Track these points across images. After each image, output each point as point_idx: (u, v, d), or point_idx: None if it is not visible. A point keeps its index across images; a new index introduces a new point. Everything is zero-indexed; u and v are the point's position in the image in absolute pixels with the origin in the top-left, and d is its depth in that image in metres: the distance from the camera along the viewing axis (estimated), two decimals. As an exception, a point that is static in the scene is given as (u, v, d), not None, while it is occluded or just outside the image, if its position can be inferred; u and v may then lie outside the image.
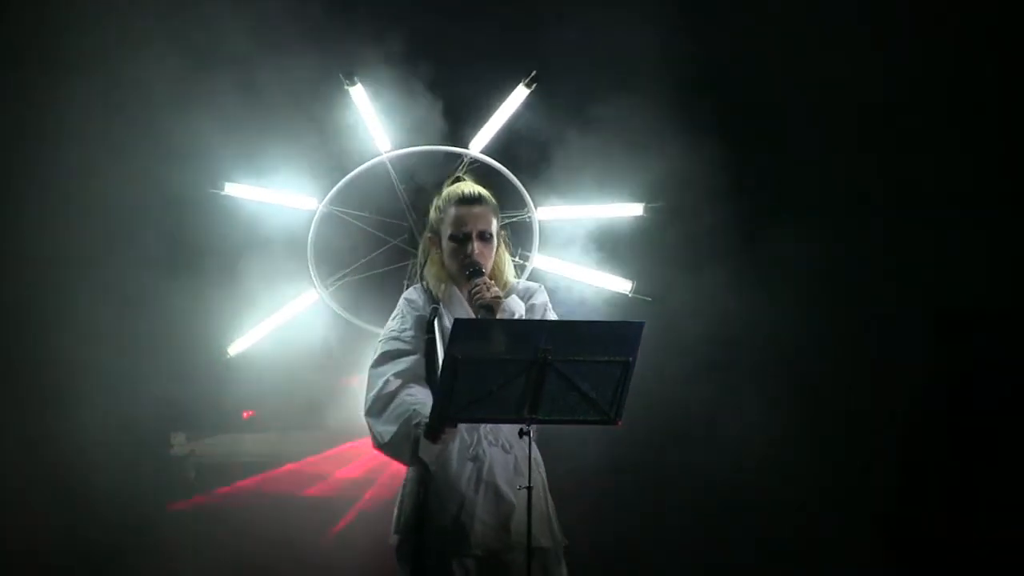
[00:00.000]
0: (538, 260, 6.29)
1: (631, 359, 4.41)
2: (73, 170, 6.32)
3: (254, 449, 6.54)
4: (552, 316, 4.94)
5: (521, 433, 4.44)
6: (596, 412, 4.44)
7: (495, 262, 4.90)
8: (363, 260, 6.32)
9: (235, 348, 6.34)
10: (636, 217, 6.40)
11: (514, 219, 6.07)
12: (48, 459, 6.29)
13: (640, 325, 4.42)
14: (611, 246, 6.44)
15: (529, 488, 4.47)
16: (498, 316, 4.69)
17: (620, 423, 4.49)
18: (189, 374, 6.39)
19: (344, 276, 6.30)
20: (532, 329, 4.50)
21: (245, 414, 6.57)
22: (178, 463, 6.54)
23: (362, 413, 4.75)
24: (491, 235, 4.85)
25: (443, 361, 4.36)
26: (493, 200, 4.94)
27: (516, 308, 4.81)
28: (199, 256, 6.38)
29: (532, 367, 4.34)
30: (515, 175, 6.20)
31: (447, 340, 4.37)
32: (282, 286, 6.33)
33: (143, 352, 6.37)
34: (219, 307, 6.36)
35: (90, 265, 6.33)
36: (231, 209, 6.31)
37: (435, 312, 4.78)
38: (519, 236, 6.12)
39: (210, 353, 6.33)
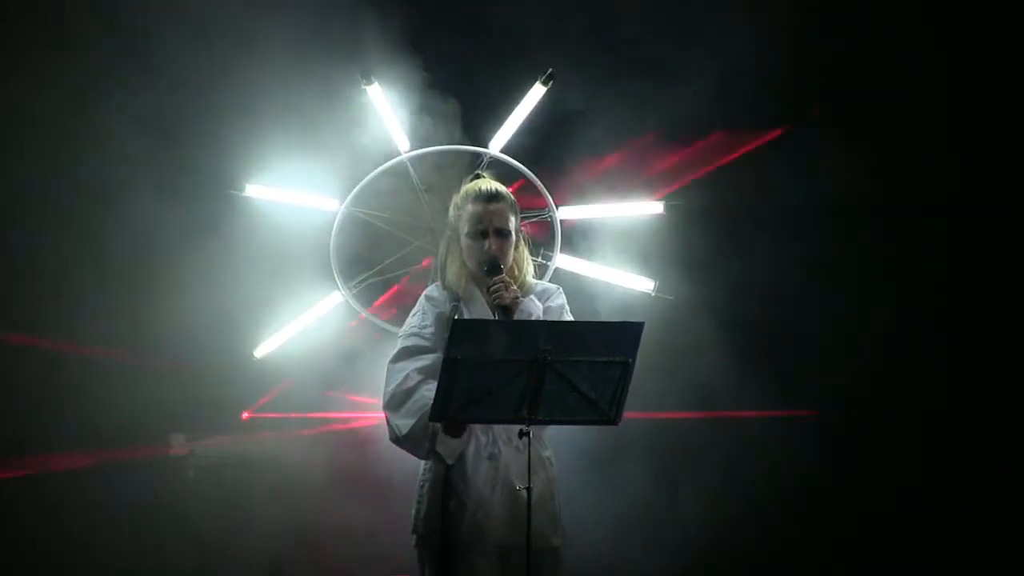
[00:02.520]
0: (560, 260, 6.27)
1: (631, 359, 4.40)
2: (90, 171, 6.37)
3: (253, 450, 6.55)
4: (569, 319, 4.95)
5: (521, 434, 4.44)
6: (596, 412, 4.44)
7: (514, 260, 4.91)
8: (387, 261, 6.32)
9: (261, 351, 6.36)
10: (656, 215, 6.38)
11: (535, 219, 6.05)
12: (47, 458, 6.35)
13: (640, 325, 4.41)
14: (634, 244, 6.42)
15: (529, 489, 4.47)
16: (516, 317, 4.70)
17: (620, 423, 4.49)
18: (191, 374, 6.42)
19: (368, 278, 6.31)
20: (532, 329, 4.50)
21: (244, 415, 6.60)
22: (177, 463, 6.56)
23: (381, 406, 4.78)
24: (509, 232, 4.86)
25: (443, 361, 4.38)
26: (511, 197, 4.96)
27: (533, 310, 4.83)
28: (218, 257, 6.40)
29: (532, 367, 4.33)
30: (536, 174, 6.18)
31: None
32: (303, 287, 6.34)
33: (151, 351, 6.42)
34: (236, 307, 6.38)
35: (106, 265, 6.38)
36: (251, 210, 6.33)
37: (455, 309, 4.81)
38: (541, 236, 6.10)
39: (221, 353, 6.38)
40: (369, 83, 6.13)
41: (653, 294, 6.29)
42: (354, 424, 6.54)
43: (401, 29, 6.32)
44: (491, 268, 4.79)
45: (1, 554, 6.26)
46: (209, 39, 6.27)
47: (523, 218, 5.06)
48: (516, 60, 6.37)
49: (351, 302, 6.27)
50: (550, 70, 6.12)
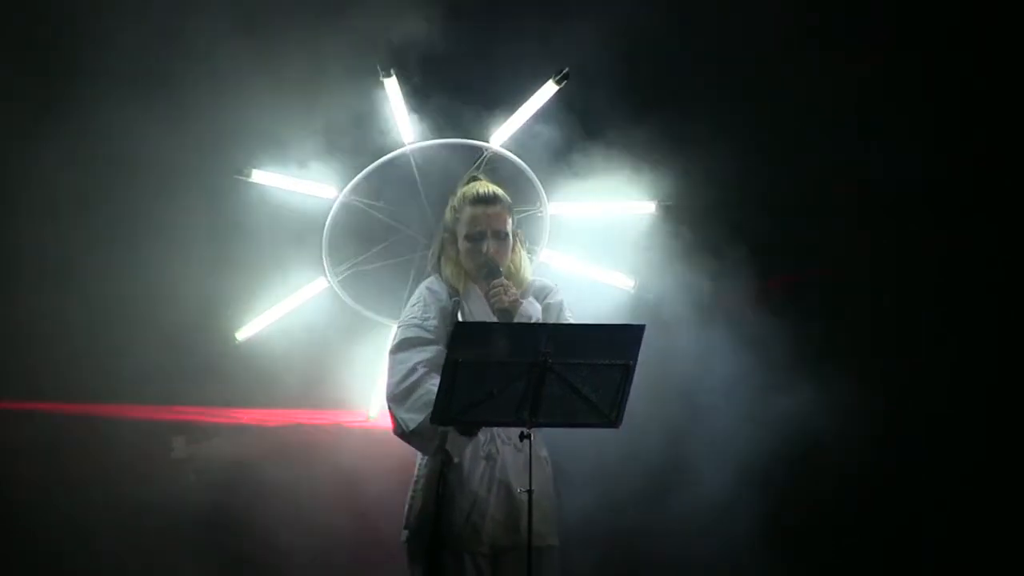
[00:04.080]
0: (544, 254, 6.26)
1: (632, 362, 4.43)
2: (91, 157, 6.34)
3: (254, 452, 6.54)
4: (568, 316, 4.99)
5: (522, 436, 4.46)
6: (596, 415, 4.47)
7: (511, 260, 4.95)
8: (374, 250, 6.30)
9: (244, 334, 6.32)
10: (648, 215, 6.36)
11: (525, 213, 6.04)
12: (47, 460, 6.32)
13: (640, 327, 4.44)
14: (623, 243, 6.41)
15: (530, 491, 4.50)
16: (516, 320, 4.74)
17: (620, 426, 4.52)
18: (190, 375, 6.40)
19: (355, 265, 6.30)
20: (532, 332, 4.53)
21: (245, 417, 6.58)
22: (178, 466, 6.54)
23: (385, 398, 4.79)
24: (506, 234, 4.91)
25: (444, 363, 4.39)
26: (508, 199, 5.00)
27: (533, 312, 4.85)
28: (214, 242, 6.40)
29: (532, 370, 4.35)
30: (532, 168, 6.16)
31: None
32: (293, 274, 6.32)
33: (147, 347, 6.38)
34: (228, 296, 6.37)
35: (101, 252, 6.36)
36: (246, 195, 6.30)
37: (457, 304, 4.84)
38: (528, 230, 6.07)
39: (216, 346, 6.35)
40: (388, 75, 6.11)
41: (633, 292, 6.28)
42: (350, 423, 6.54)
43: (412, 20, 6.31)
44: (490, 272, 4.82)
45: (1, 557, 6.27)
46: (219, 26, 6.26)
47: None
48: (526, 57, 6.36)
49: (336, 289, 6.26)
50: (566, 69, 6.09)
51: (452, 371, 4.33)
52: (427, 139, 6.21)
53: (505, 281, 4.80)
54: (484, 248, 4.86)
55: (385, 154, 6.18)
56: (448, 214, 5.00)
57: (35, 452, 6.30)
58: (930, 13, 6.58)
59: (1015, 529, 6.47)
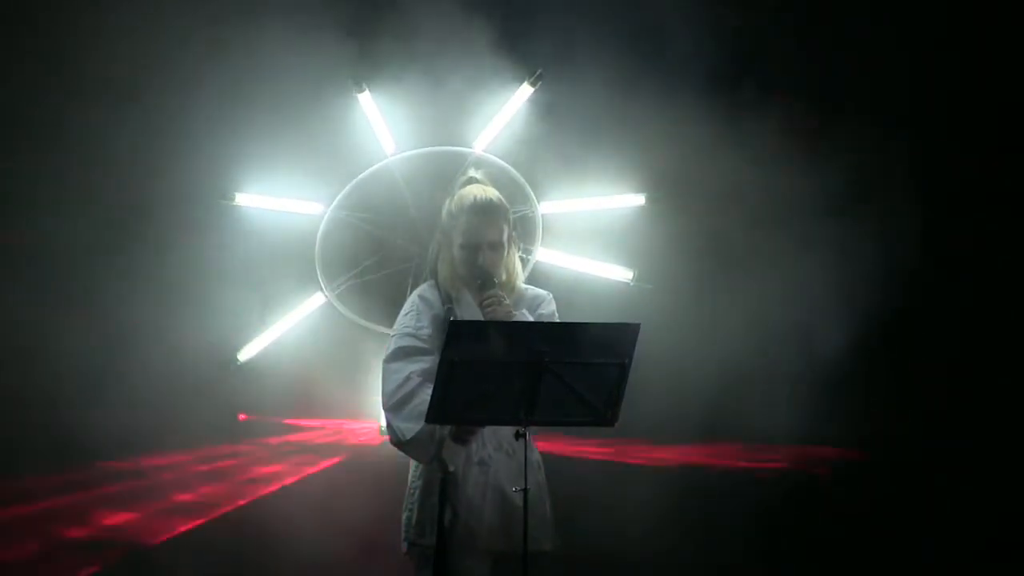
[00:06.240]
0: (540, 253, 6.26)
1: (627, 361, 4.38)
2: (82, 179, 6.34)
3: (249, 452, 6.52)
4: None
5: (517, 435, 4.41)
6: (592, 414, 4.43)
7: (505, 266, 4.87)
8: (368, 262, 6.31)
9: (245, 354, 6.35)
10: (639, 207, 6.37)
11: (517, 214, 6.01)
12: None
13: (636, 326, 4.38)
14: (615, 236, 6.39)
15: (525, 490, 4.45)
16: None
17: (616, 424, 4.46)
18: (187, 377, 6.36)
19: (350, 279, 6.29)
20: (528, 331, 4.47)
21: (241, 416, 6.56)
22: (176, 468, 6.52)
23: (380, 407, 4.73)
24: (502, 243, 4.82)
25: (440, 363, 4.33)
26: (505, 204, 4.89)
27: None
28: (207, 263, 6.38)
29: (528, 369, 4.30)
30: (519, 170, 6.15)
31: None
32: (290, 291, 6.34)
33: (144, 356, 6.35)
34: (225, 312, 6.37)
35: (97, 270, 6.35)
36: (240, 217, 6.33)
37: (450, 312, 4.77)
38: (521, 229, 6.07)
39: (212, 357, 6.35)
40: (361, 90, 6.13)
41: (632, 284, 6.25)
42: (347, 425, 6.52)
43: (388, 34, 6.35)
44: (484, 283, 4.75)
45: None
46: (198, 49, 6.29)
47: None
48: (502, 58, 6.34)
49: (334, 303, 6.25)
50: (539, 71, 6.11)
51: (448, 371, 4.29)
52: (409, 148, 6.21)
53: (499, 292, 4.73)
54: (480, 259, 4.78)
55: (368, 167, 6.20)
56: (445, 218, 4.91)
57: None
58: (929, 13, 6.59)
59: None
